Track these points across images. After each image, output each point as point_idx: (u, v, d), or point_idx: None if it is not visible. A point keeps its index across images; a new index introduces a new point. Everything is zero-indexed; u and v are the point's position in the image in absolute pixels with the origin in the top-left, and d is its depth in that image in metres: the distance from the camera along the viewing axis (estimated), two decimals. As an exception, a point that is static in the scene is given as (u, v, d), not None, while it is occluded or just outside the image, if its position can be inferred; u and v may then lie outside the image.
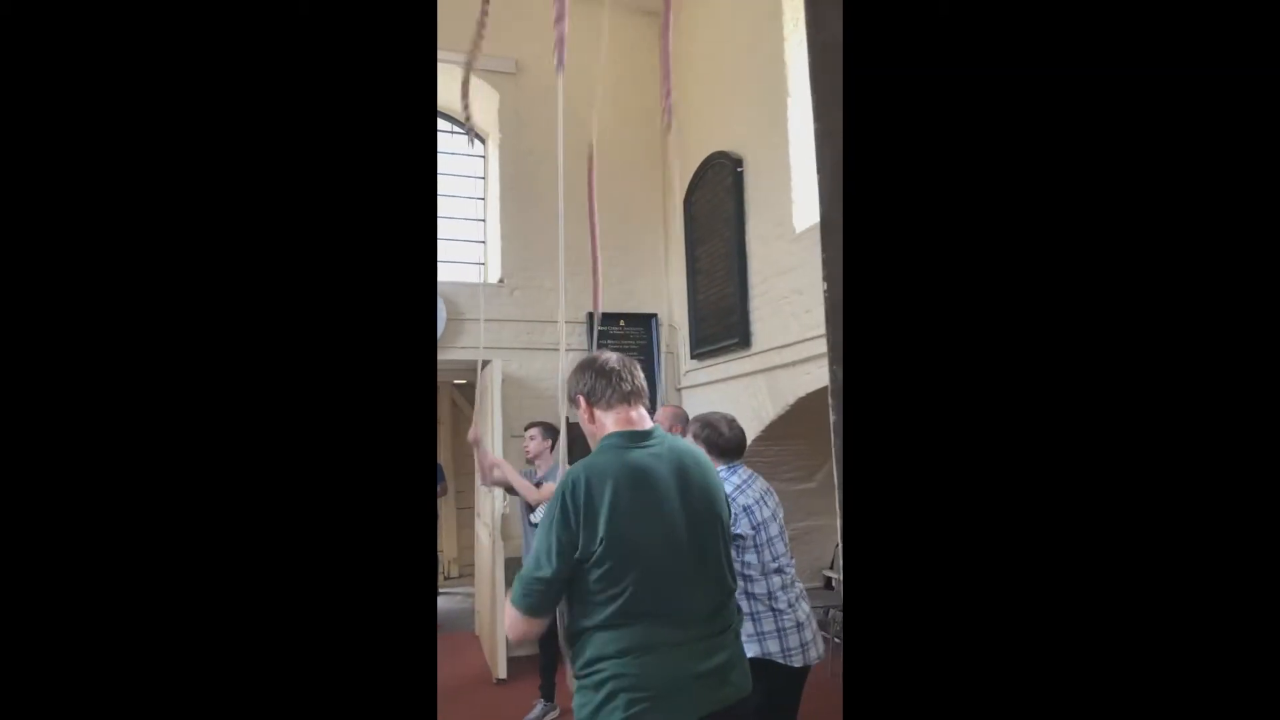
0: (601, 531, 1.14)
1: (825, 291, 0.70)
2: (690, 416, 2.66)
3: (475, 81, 4.57)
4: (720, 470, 1.86)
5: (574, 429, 1.61)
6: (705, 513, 1.27)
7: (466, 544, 5.73)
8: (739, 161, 3.89)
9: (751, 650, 1.73)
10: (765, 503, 1.87)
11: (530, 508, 3.11)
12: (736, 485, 1.87)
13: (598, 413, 1.32)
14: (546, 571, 1.16)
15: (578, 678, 1.21)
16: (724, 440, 1.91)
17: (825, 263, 0.70)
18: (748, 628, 1.78)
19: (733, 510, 1.80)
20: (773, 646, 1.76)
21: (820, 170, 0.72)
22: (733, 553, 1.80)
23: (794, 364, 3.35)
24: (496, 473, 2.87)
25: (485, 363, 4.08)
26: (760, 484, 1.91)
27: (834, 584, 3.78)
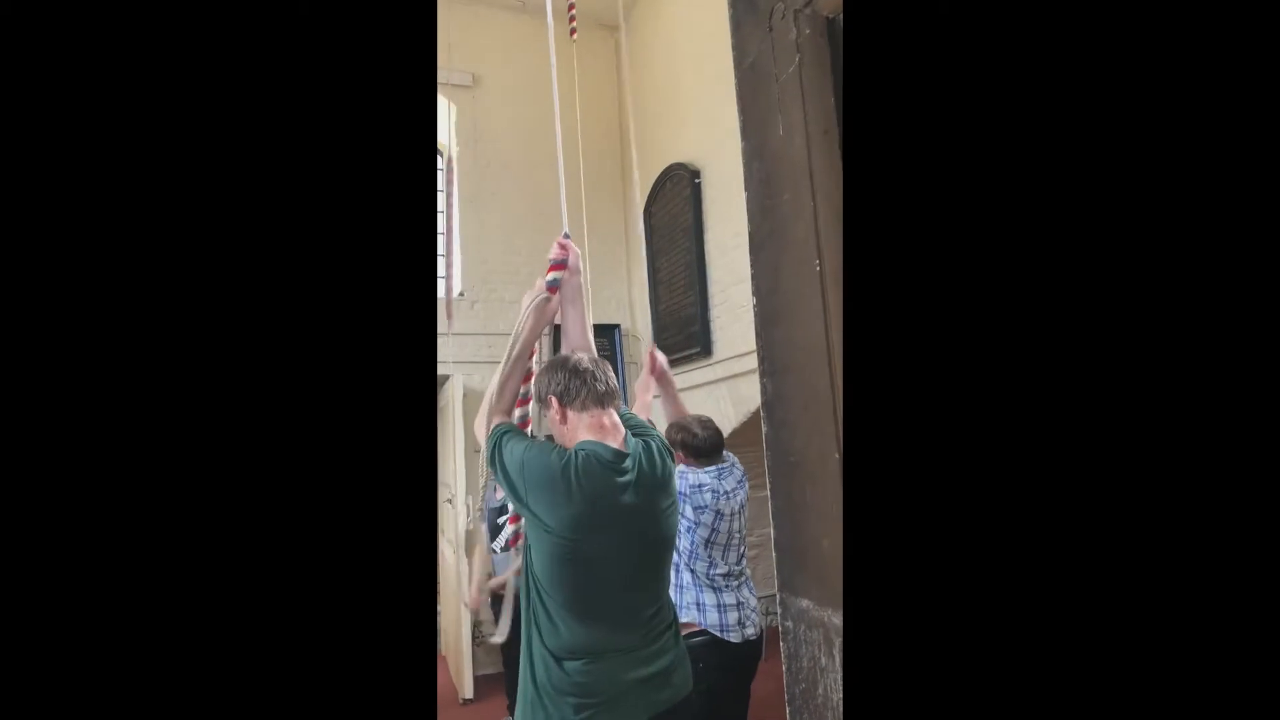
0: (567, 535, 1.16)
1: (755, 306, 0.71)
2: (662, 359, 2.62)
3: (432, 94, 4.55)
4: (706, 475, 1.89)
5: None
6: (664, 535, 1.30)
7: (432, 561, 5.62)
8: (697, 173, 3.93)
9: (688, 616, 1.85)
10: (743, 514, 1.94)
11: (494, 534, 3.10)
12: (734, 486, 1.92)
13: (570, 414, 1.29)
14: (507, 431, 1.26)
15: (524, 688, 1.23)
16: (697, 440, 1.93)
17: (754, 277, 0.71)
18: (689, 597, 1.87)
19: (723, 510, 1.87)
20: (711, 619, 1.85)
21: (748, 187, 0.73)
22: (699, 544, 1.88)
23: (754, 372, 3.38)
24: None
25: (445, 377, 4.04)
26: (745, 492, 1.95)
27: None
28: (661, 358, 2.05)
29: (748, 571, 1.99)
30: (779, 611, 0.69)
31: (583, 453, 1.22)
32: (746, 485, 1.99)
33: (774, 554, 0.70)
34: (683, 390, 4.13)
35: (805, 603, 0.65)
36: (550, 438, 1.38)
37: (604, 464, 1.23)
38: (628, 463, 1.26)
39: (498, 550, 3.04)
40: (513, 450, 1.25)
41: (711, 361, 3.81)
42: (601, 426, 1.28)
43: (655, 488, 1.28)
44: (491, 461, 1.28)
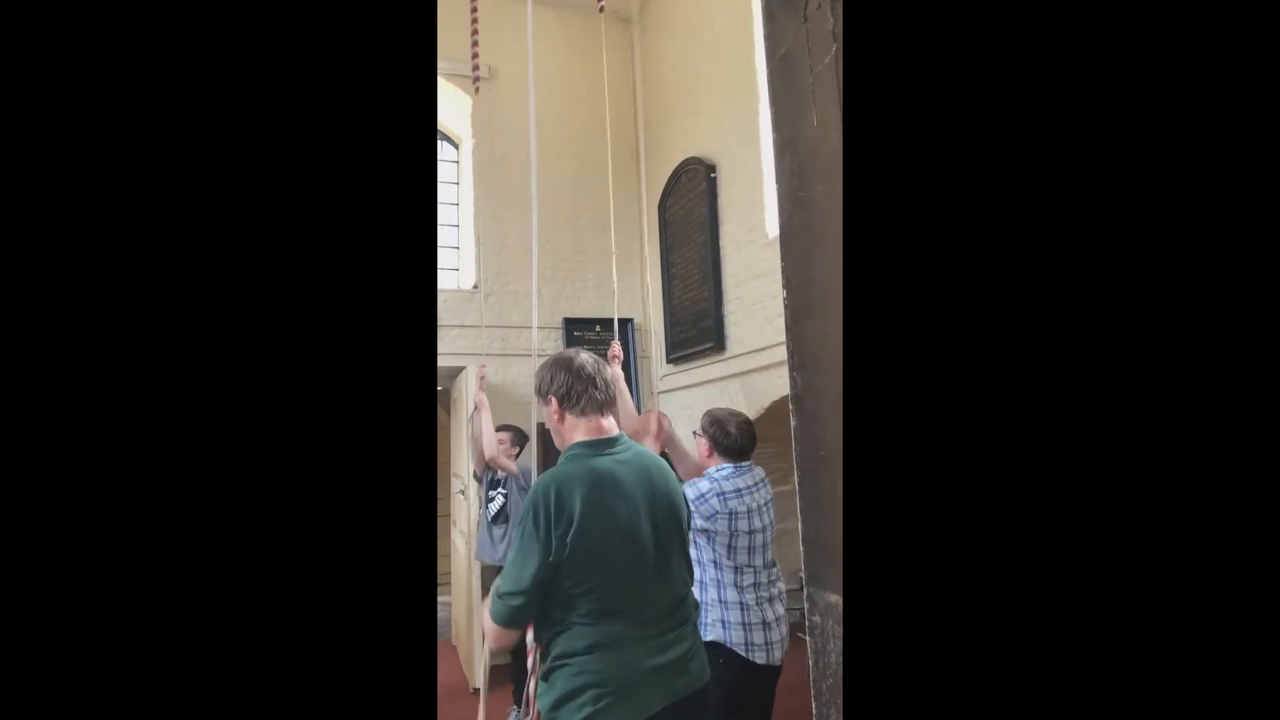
0: (571, 536, 1.17)
1: (785, 299, 0.71)
2: (668, 425, 2.63)
3: (448, 87, 4.56)
4: (727, 468, 1.87)
5: (545, 434, 1.60)
6: (669, 516, 1.30)
7: (442, 552, 5.68)
8: (712, 167, 3.91)
9: (714, 635, 1.78)
10: (766, 510, 1.88)
11: (487, 501, 3.13)
12: (751, 484, 1.88)
13: (569, 417, 1.32)
14: (523, 584, 1.17)
15: (544, 676, 1.23)
16: (729, 440, 1.91)
17: (784, 270, 0.71)
18: (714, 614, 1.81)
19: (737, 510, 1.81)
20: (736, 638, 1.79)
21: (780, 179, 0.73)
22: (721, 552, 1.81)
23: (768, 367, 3.38)
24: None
25: (460, 369, 4.05)
26: (767, 490, 1.91)
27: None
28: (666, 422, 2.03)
29: (779, 584, 1.91)
30: (806, 606, 0.68)
31: (558, 466, 1.25)
32: (768, 486, 1.95)
33: (801, 548, 0.69)
34: (695, 385, 4.14)
35: (833, 597, 0.65)
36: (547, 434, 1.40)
37: (593, 445, 1.26)
38: (619, 445, 1.29)
39: (490, 515, 3.08)
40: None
41: (725, 357, 3.80)
42: (600, 429, 1.31)
43: (654, 467, 1.31)
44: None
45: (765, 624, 1.82)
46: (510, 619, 1.20)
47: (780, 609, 1.88)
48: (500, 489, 3.16)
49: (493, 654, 3.70)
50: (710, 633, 1.79)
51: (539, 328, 4.64)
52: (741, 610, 1.81)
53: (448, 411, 4.66)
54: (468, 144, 4.71)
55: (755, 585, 1.84)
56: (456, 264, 4.74)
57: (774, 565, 1.91)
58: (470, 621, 3.71)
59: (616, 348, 2.17)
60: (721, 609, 1.81)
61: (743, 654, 1.79)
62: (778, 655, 1.83)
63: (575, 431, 1.31)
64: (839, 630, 0.62)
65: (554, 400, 1.32)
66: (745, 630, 1.80)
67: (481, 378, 3.12)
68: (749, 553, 1.84)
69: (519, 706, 3.20)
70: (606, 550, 1.19)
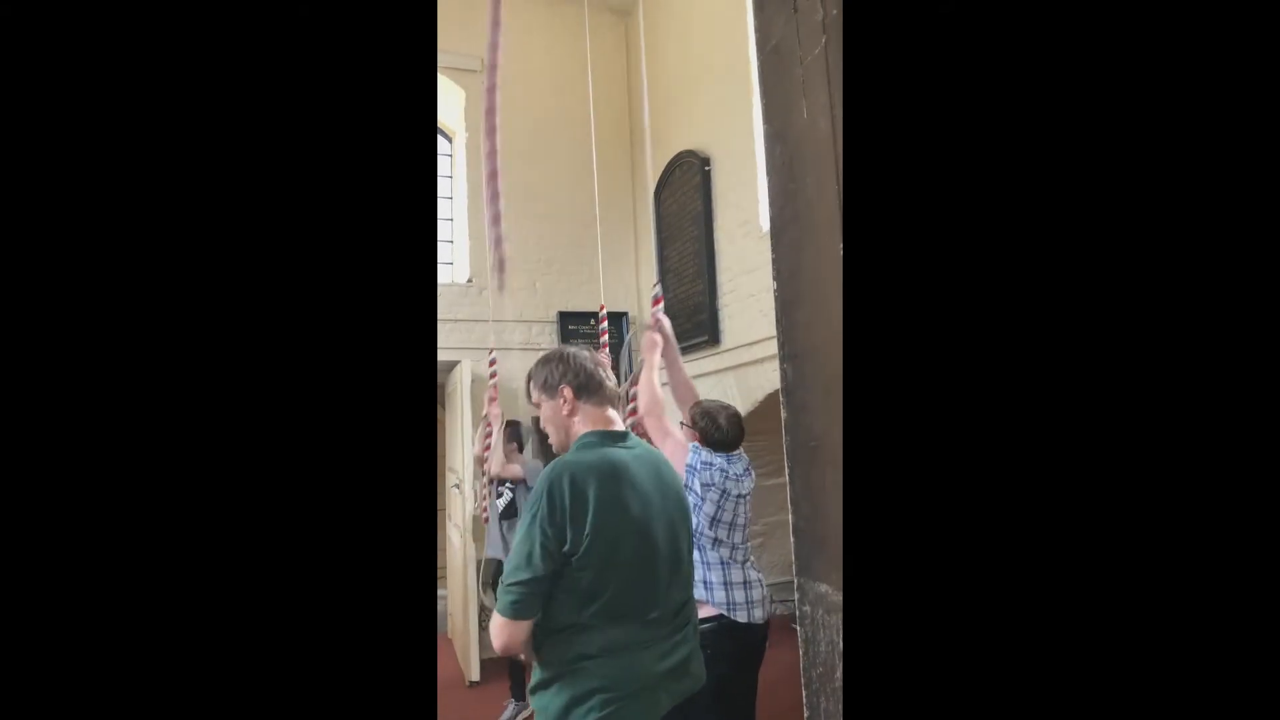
0: (588, 528, 1.14)
1: (775, 291, 0.71)
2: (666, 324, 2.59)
3: (441, 80, 4.54)
4: (718, 458, 1.90)
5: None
6: (678, 515, 1.31)
7: (438, 546, 5.68)
8: (706, 160, 3.91)
9: (696, 594, 1.83)
10: (749, 499, 1.95)
11: (499, 492, 3.15)
12: (742, 472, 1.93)
13: (583, 407, 1.31)
14: (532, 572, 1.13)
15: (545, 675, 1.20)
16: (720, 433, 1.94)
17: (775, 262, 0.71)
18: (695, 574, 1.86)
19: (729, 491, 1.88)
20: (719, 597, 1.86)
21: (770, 171, 0.73)
22: (704, 523, 1.88)
23: (762, 361, 3.39)
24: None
25: (455, 363, 4.05)
26: (752, 480, 1.97)
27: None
28: (665, 322, 2.07)
29: (751, 557, 2.00)
30: (796, 596, 0.69)
31: (570, 454, 1.25)
32: (753, 474, 1.99)
33: (791, 539, 0.70)
34: (690, 378, 4.13)
35: (824, 587, 0.65)
36: (541, 435, 1.39)
37: (602, 436, 1.27)
38: (629, 438, 1.31)
39: (499, 510, 3.11)
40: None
41: (719, 350, 3.81)
42: (607, 420, 1.32)
43: (662, 462, 1.33)
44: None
45: (746, 583, 1.88)
46: (518, 608, 1.13)
47: (755, 572, 1.94)
48: (508, 485, 3.19)
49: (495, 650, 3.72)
50: (701, 597, 1.84)
51: (534, 321, 4.64)
52: (722, 569, 1.87)
53: (442, 406, 4.65)
54: (461, 137, 4.69)
55: (732, 554, 1.91)
56: (451, 258, 4.73)
57: (747, 544, 1.98)
58: (466, 616, 3.72)
59: (655, 318, 2.12)
60: (703, 569, 1.86)
61: (725, 612, 1.84)
62: (759, 614, 1.88)
63: (586, 423, 1.30)
64: (829, 620, 0.63)
65: (568, 390, 1.30)
66: (727, 589, 1.86)
67: (493, 387, 3.04)
68: (729, 529, 1.90)
69: (516, 700, 3.20)
70: (621, 546, 1.17)
